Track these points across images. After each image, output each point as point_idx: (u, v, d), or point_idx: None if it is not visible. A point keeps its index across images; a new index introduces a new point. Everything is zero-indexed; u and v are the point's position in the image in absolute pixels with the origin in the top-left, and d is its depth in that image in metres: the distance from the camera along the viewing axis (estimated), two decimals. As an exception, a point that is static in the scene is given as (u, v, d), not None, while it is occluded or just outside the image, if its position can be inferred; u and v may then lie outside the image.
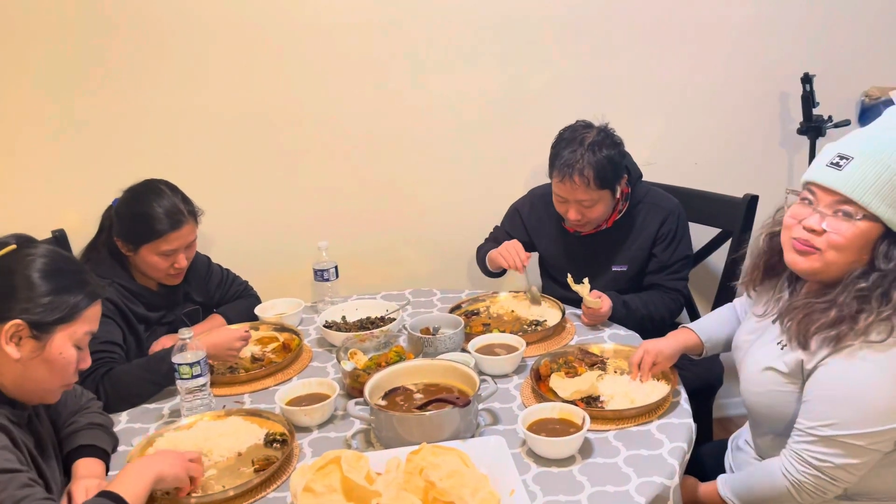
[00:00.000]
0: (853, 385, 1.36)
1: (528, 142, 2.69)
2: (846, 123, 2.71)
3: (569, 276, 2.10)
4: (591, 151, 2.11)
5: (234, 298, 2.30)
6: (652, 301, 2.23)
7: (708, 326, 1.82)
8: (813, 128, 2.67)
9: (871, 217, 1.37)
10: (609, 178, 2.14)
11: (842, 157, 1.39)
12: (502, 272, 2.45)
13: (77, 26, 2.41)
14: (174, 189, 2.06)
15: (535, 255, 2.49)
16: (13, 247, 1.34)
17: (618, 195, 2.23)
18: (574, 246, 2.33)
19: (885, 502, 1.48)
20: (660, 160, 2.76)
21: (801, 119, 2.70)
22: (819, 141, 2.69)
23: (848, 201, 1.37)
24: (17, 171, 2.52)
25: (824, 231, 1.39)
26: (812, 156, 2.72)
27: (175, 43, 2.48)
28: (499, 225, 2.53)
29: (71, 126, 2.50)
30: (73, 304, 1.35)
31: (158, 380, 1.83)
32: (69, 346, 1.36)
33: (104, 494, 1.28)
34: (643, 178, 2.37)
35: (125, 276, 2.03)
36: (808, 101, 2.66)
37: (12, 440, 1.26)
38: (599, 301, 2.07)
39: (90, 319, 1.39)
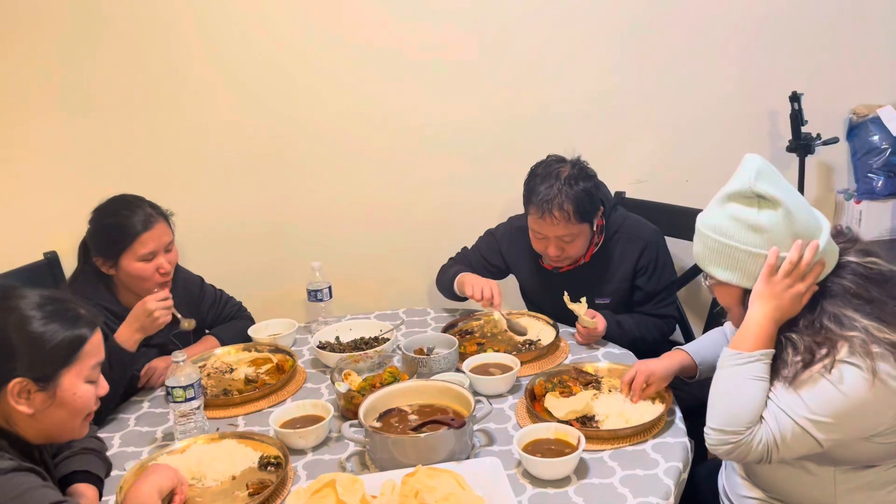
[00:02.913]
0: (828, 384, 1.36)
1: (521, 161, 2.68)
2: (834, 141, 2.74)
3: (565, 293, 2.09)
4: (568, 185, 2.08)
5: (228, 319, 2.29)
6: (644, 324, 2.23)
7: (702, 348, 1.82)
8: (802, 145, 2.70)
9: (715, 281, 1.50)
10: (588, 210, 2.12)
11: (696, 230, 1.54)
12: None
13: (68, 46, 2.43)
14: (139, 197, 2.07)
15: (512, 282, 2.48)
16: None
17: (594, 228, 2.22)
18: (554, 281, 2.28)
19: None
20: (650, 178, 2.79)
21: (790, 137, 2.73)
22: (808, 158, 2.72)
23: (702, 269, 1.53)
24: (10, 193, 2.52)
25: None
26: (801, 173, 2.74)
27: (168, 63, 2.50)
28: (468, 247, 2.48)
29: (63, 147, 2.52)
30: (71, 344, 1.29)
31: (112, 376, 1.78)
32: (80, 384, 1.31)
33: None
34: (631, 196, 2.38)
35: (109, 299, 2.03)
36: (797, 119, 2.69)
37: (43, 479, 1.25)
38: (595, 321, 2.07)
39: (94, 351, 1.33)
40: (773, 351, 1.44)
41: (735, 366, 1.44)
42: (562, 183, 2.09)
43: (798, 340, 1.40)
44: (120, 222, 1.99)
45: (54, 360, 1.27)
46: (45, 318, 1.27)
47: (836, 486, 1.46)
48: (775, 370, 1.43)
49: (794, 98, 2.68)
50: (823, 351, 1.37)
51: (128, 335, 1.86)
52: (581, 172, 2.13)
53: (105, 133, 2.52)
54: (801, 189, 2.79)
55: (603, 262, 2.26)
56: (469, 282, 2.23)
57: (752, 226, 1.42)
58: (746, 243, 1.43)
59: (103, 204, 2.06)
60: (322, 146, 2.65)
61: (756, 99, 2.82)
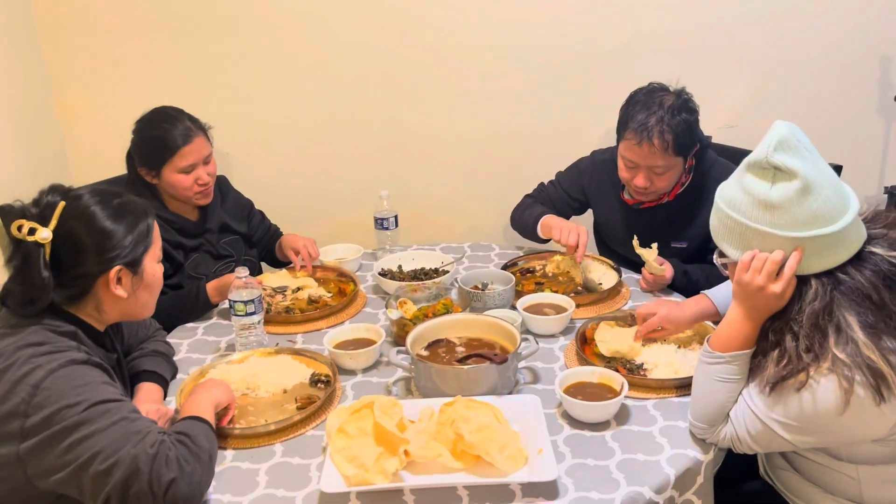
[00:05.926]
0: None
1: (602, 100, 2.59)
2: (952, 92, 2.50)
3: (634, 238, 2.04)
4: (670, 114, 2.00)
5: (268, 238, 2.39)
6: (714, 274, 2.14)
7: (727, 295, 1.74)
8: (914, 96, 2.48)
9: (728, 259, 1.39)
10: (686, 144, 2.04)
11: None
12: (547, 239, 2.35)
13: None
14: (179, 110, 2.14)
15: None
16: (63, 204, 1.35)
17: (685, 166, 2.13)
18: (632, 218, 2.23)
19: None
20: (742, 123, 2.64)
21: (901, 86, 2.51)
22: (920, 110, 2.50)
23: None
24: (110, 104, 2.66)
25: None
26: (910, 126, 2.53)
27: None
28: (545, 183, 2.45)
29: (169, 67, 2.64)
30: (146, 230, 1.44)
31: (196, 309, 2.02)
32: (155, 264, 1.48)
33: (192, 418, 1.39)
34: (717, 142, 2.26)
35: (158, 206, 2.12)
36: (912, 66, 2.46)
37: (111, 378, 1.36)
38: (663, 268, 2.02)
39: (158, 234, 1.50)
40: (748, 352, 1.38)
41: (707, 364, 1.42)
42: (664, 111, 2.01)
43: (789, 343, 1.29)
44: (161, 135, 2.07)
45: (139, 247, 1.42)
46: (117, 211, 1.41)
47: (861, 481, 1.39)
48: (758, 366, 1.35)
49: (912, 42, 2.45)
50: (808, 359, 1.26)
51: (214, 293, 2.02)
52: (685, 104, 2.05)
53: (189, 50, 2.61)
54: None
55: (687, 205, 2.17)
56: (557, 225, 2.19)
57: (763, 201, 1.28)
58: (757, 220, 1.30)
59: (145, 116, 2.13)
60: (396, 78, 2.65)
61: (867, 41, 2.59)
